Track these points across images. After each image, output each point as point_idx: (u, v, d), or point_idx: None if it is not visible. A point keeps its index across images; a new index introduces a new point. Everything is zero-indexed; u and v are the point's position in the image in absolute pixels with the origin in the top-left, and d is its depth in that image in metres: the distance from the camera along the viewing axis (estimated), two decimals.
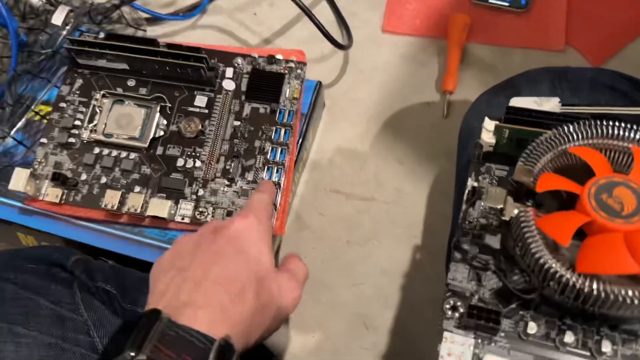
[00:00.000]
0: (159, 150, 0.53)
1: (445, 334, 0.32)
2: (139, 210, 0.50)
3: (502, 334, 0.32)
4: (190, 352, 0.28)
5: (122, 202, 0.51)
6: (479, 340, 0.32)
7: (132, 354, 0.28)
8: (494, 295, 0.33)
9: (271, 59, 0.55)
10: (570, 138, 0.32)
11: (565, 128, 0.33)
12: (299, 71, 0.54)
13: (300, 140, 0.56)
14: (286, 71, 0.54)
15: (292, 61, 0.55)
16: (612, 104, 0.42)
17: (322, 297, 0.56)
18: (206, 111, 0.53)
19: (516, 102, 0.41)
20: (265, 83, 0.54)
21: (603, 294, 0.28)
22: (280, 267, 0.40)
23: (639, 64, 0.62)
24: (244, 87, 0.54)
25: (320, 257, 0.58)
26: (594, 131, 0.32)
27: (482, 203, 0.36)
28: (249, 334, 0.33)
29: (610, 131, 0.32)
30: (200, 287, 0.32)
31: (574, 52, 0.64)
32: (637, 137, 0.32)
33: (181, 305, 0.31)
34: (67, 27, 0.58)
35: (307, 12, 0.60)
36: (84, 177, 0.52)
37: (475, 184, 0.37)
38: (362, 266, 0.57)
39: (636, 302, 0.27)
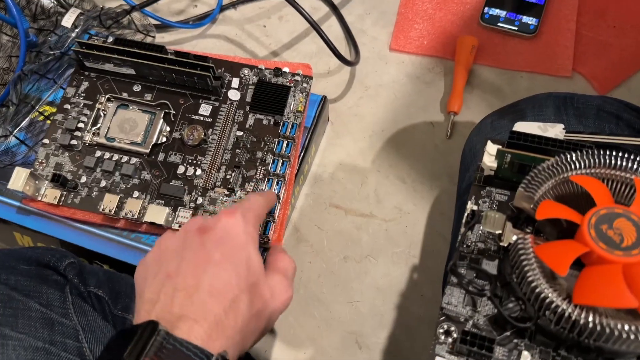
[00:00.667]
0: (160, 156, 0.53)
1: (438, 359, 0.31)
2: (136, 216, 0.50)
3: None
4: None
5: (120, 207, 0.51)
6: None
7: None
8: (488, 321, 0.32)
9: (277, 72, 0.55)
10: (573, 166, 0.32)
11: (568, 156, 0.32)
12: (304, 85, 0.54)
13: (302, 154, 0.56)
14: (292, 84, 0.54)
15: (298, 74, 0.55)
16: (617, 134, 0.42)
17: (316, 313, 0.56)
18: (210, 120, 0.53)
19: (520, 126, 0.41)
20: (270, 95, 0.54)
21: (599, 327, 0.27)
22: (269, 266, 0.38)
23: None
24: (249, 98, 0.54)
25: (316, 272, 0.57)
26: (597, 160, 0.32)
27: (481, 227, 0.35)
28: (243, 343, 0.33)
29: (613, 161, 0.32)
30: (194, 298, 0.31)
31: (581, 79, 0.64)
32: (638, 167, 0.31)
33: (175, 318, 0.30)
34: (77, 30, 0.58)
35: (316, 27, 0.60)
36: (83, 179, 0.52)
37: (475, 208, 0.36)
38: (358, 283, 0.56)
39: (632, 336, 0.27)
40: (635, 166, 0.31)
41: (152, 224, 0.50)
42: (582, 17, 0.66)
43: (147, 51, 0.53)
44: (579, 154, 0.32)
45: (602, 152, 0.32)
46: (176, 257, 0.34)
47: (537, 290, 0.29)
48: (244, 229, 0.36)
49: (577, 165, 0.32)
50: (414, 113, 0.63)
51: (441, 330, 0.32)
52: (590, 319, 0.28)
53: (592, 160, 0.32)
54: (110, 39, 0.55)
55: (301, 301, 0.56)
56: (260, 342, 0.55)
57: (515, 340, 0.32)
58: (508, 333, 0.32)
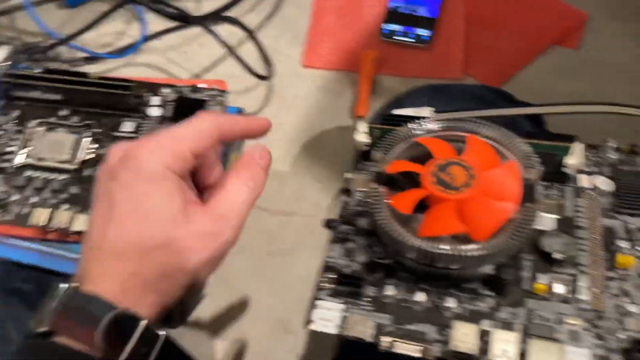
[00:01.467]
0: (90, 171, 0.57)
1: (317, 302, 0.36)
2: (66, 227, 0.54)
3: (367, 299, 0.36)
4: (87, 322, 0.29)
5: (50, 220, 0.54)
6: (347, 306, 0.36)
7: (35, 327, 0.30)
8: (363, 268, 0.38)
9: (195, 88, 0.60)
10: (417, 131, 0.38)
11: (414, 124, 0.39)
12: (219, 98, 0.60)
13: (223, 162, 0.61)
14: (208, 98, 0.60)
15: (214, 89, 0.60)
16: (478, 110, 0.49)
17: (244, 306, 0.60)
18: (135, 135, 0.58)
19: (397, 112, 0.48)
20: (189, 109, 0.59)
21: (436, 251, 0.33)
22: (208, 201, 0.34)
23: (527, 88, 0.70)
24: (169, 113, 0.59)
25: (242, 269, 0.62)
26: (438, 125, 0.39)
27: (357, 194, 0.41)
28: (163, 299, 0.31)
29: (450, 124, 0.38)
30: (97, 258, 0.31)
31: (472, 81, 0.72)
32: (471, 127, 0.38)
33: (83, 276, 0.30)
34: (7, 64, 0.63)
35: (229, 48, 0.66)
36: (14, 197, 0.56)
37: (351, 176, 0.42)
38: (283, 276, 0.61)
39: (463, 254, 0.33)
40: (467, 126, 0.38)
41: (82, 233, 0.54)
42: (470, 26, 0.75)
43: (71, 77, 0.58)
44: (422, 120, 0.39)
45: (441, 117, 0.39)
46: (93, 205, 0.31)
47: (384, 226, 0.35)
48: (154, 169, 0.30)
49: (420, 130, 0.38)
50: (326, 120, 0.70)
51: (325, 279, 0.38)
52: (429, 244, 0.33)
53: (433, 125, 0.39)
54: (38, 70, 0.60)
55: (228, 296, 0.60)
56: (188, 338, 0.58)
57: (385, 281, 0.37)
58: (378, 275, 0.37)
